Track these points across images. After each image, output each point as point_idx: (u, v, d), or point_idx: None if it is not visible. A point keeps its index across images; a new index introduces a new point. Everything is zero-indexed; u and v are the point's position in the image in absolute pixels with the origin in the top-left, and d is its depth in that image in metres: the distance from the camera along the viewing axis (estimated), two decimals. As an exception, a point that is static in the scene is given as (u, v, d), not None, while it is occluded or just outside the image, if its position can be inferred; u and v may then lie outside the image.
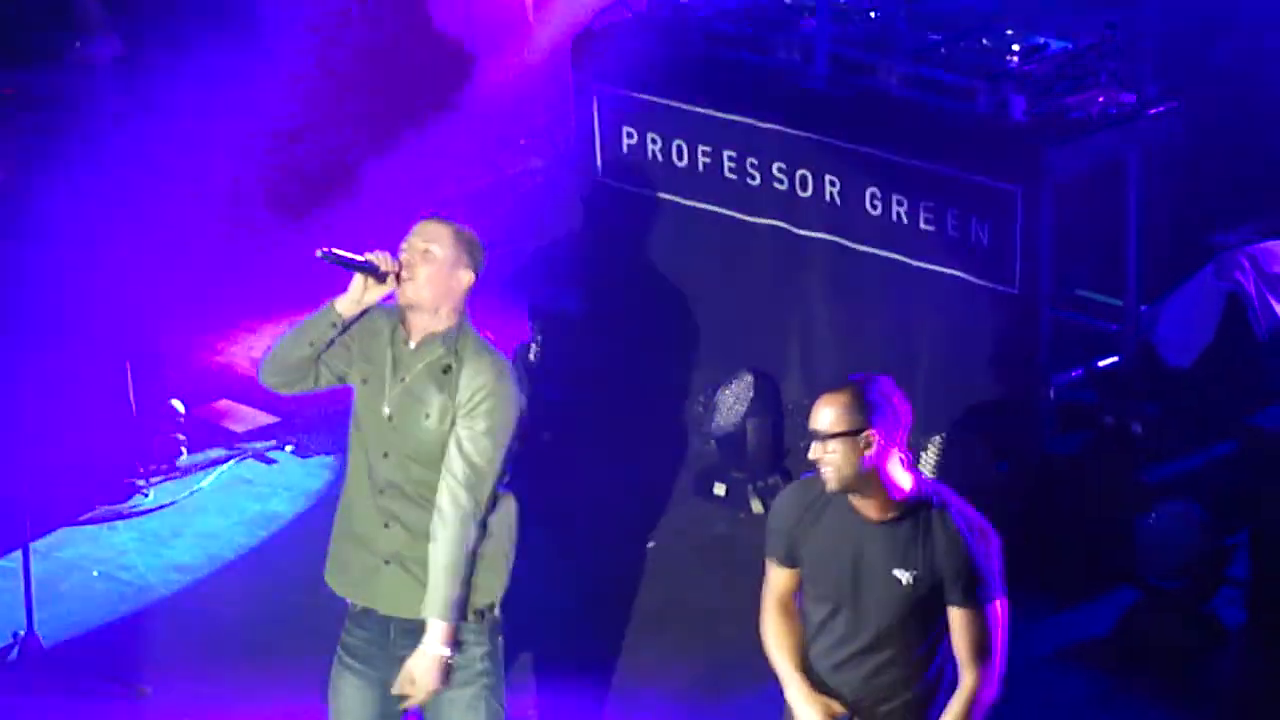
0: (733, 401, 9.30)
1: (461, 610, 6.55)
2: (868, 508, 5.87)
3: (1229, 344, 8.97)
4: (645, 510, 9.25)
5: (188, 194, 11.17)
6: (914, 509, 5.90)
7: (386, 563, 6.52)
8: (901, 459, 5.91)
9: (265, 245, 11.30)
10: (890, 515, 5.86)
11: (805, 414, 6.24)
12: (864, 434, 5.76)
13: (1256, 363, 8.91)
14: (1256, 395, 8.85)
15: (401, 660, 6.58)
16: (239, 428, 10.05)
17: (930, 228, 8.93)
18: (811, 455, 5.87)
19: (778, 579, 6.11)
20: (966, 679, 6.01)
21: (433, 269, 6.33)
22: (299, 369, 6.50)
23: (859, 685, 6.19)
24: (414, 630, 6.57)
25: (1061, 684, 8.44)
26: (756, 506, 9.51)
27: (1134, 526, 8.47)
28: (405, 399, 6.45)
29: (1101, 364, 9.03)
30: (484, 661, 6.62)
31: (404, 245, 6.43)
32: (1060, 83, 8.72)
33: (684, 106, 9.67)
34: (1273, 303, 8.85)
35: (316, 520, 8.99)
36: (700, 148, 9.63)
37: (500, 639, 6.71)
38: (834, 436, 5.79)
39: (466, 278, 6.34)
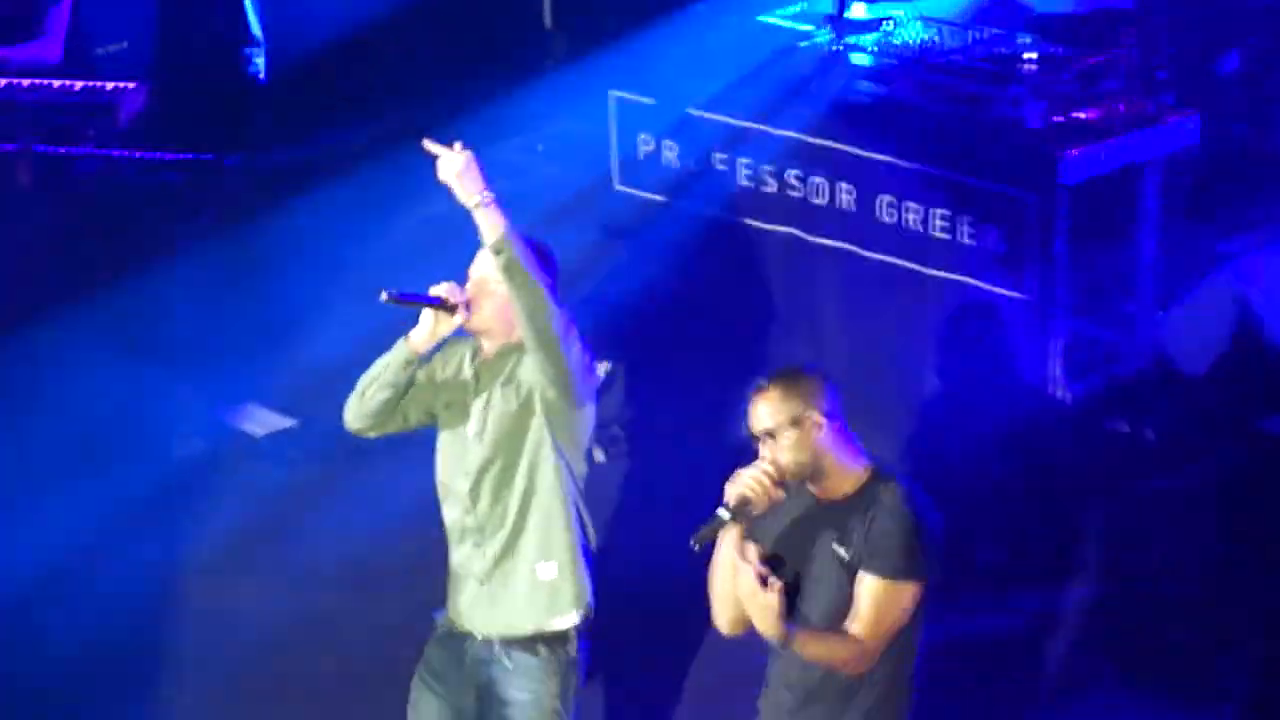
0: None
1: (517, 242, 6.37)
2: (825, 490, 5.83)
3: (1241, 350, 8.92)
4: (682, 514, 9.08)
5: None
6: (867, 485, 5.83)
7: (481, 583, 6.57)
8: (846, 436, 5.89)
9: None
10: (845, 492, 5.82)
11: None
12: (808, 417, 5.75)
13: (1267, 368, 8.83)
14: (1268, 401, 8.78)
15: (478, 685, 6.57)
16: (259, 430, 10.21)
17: (945, 235, 8.96)
18: (764, 456, 5.82)
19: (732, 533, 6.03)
20: (838, 635, 5.84)
21: (499, 300, 6.37)
22: (383, 412, 6.52)
23: (801, 676, 6.02)
24: (491, 651, 6.55)
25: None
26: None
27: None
28: (487, 411, 6.51)
29: (1116, 372, 8.98)
30: (555, 700, 6.50)
31: (470, 273, 6.47)
32: (1077, 90, 8.79)
33: (699, 114, 9.83)
34: (1284, 308, 8.91)
35: (326, 519, 9.09)
36: (715, 155, 9.71)
37: (575, 678, 6.59)
38: (781, 428, 5.78)
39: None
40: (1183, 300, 9.13)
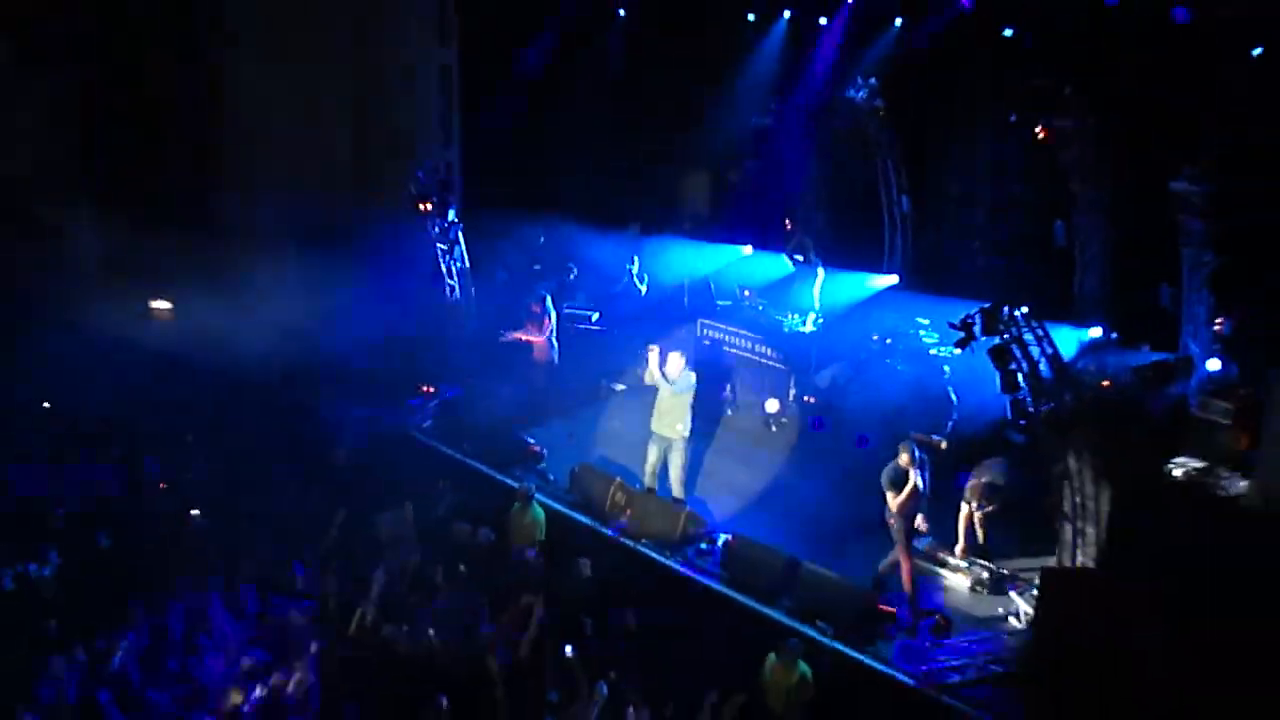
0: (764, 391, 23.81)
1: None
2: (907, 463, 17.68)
3: (837, 381, 23.74)
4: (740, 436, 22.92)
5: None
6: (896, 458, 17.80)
7: (660, 419, 20.89)
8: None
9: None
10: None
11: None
12: (912, 460, 18.12)
13: (842, 388, 23.93)
14: (843, 399, 23.63)
15: (665, 441, 20.38)
16: (619, 387, 24.54)
17: (774, 354, 24.42)
18: (903, 461, 17.99)
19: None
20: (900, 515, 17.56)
21: (676, 365, 20.29)
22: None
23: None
24: (665, 439, 20.65)
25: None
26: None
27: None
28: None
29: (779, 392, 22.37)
30: (686, 448, 20.70)
31: (669, 359, 20.46)
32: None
33: (723, 326, 25.09)
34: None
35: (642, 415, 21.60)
36: (731, 338, 24.88)
37: (690, 443, 20.21)
38: (905, 461, 18.13)
39: (692, 377, 20.44)
40: (823, 368, 24.02)
